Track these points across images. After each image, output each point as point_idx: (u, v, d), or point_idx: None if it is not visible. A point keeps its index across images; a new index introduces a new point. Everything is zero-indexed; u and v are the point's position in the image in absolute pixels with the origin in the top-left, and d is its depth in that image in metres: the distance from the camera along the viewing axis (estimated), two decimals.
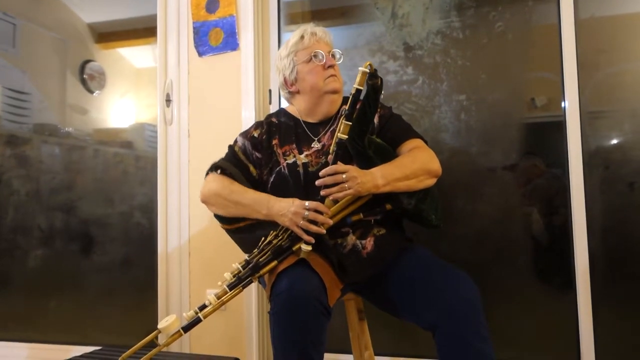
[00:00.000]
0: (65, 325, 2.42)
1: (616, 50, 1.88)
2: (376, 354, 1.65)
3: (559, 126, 1.87)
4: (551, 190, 1.92)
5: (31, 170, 2.54)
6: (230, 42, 2.14)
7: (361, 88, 1.35)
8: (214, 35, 2.16)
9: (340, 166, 1.33)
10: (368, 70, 1.34)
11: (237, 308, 2.06)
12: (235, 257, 1.55)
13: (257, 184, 1.52)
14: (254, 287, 2.04)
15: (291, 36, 1.58)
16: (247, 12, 2.12)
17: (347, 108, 1.36)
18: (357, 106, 1.37)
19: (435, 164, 1.45)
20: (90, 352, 1.94)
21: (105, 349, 1.98)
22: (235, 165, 1.54)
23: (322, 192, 1.33)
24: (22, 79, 2.65)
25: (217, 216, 1.53)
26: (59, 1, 2.64)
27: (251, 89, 2.10)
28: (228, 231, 1.54)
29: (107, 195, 2.44)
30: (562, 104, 1.86)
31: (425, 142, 1.53)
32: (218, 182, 1.49)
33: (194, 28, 2.19)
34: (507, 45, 1.97)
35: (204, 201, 1.52)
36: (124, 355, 1.35)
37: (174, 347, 2.13)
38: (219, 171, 1.52)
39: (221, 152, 1.98)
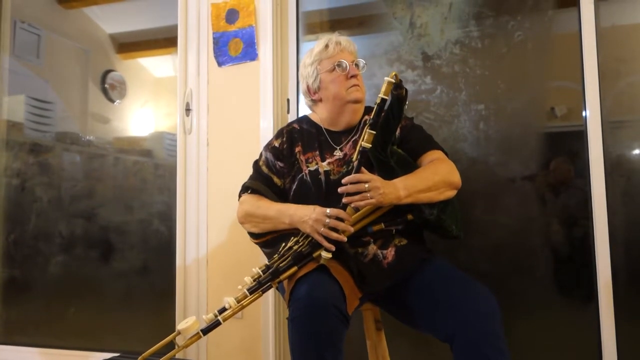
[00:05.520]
0: (84, 331, 2.44)
1: (638, 59, 1.86)
2: None
3: (580, 136, 1.84)
4: (572, 200, 1.89)
5: (53, 177, 2.58)
6: (250, 52, 2.16)
7: (386, 98, 1.35)
8: (233, 46, 2.18)
9: (363, 175, 1.33)
10: (394, 81, 1.33)
11: (254, 316, 2.06)
12: (252, 265, 1.55)
13: (283, 193, 1.55)
14: (271, 295, 2.04)
15: (315, 44, 1.59)
16: (266, 22, 2.14)
17: (371, 117, 1.35)
18: (382, 116, 1.37)
19: (455, 176, 1.45)
20: (109, 359, 1.96)
21: (123, 356, 2.00)
22: (260, 181, 1.56)
23: (344, 200, 1.33)
24: (45, 88, 2.70)
25: (249, 233, 1.56)
26: (82, 12, 2.70)
27: (269, 99, 2.12)
28: (259, 245, 1.57)
29: (126, 203, 2.47)
30: (583, 114, 1.84)
31: (446, 153, 1.53)
32: (248, 201, 1.53)
33: (213, 38, 2.21)
34: (527, 54, 1.95)
35: (241, 223, 1.55)
36: (143, 354, 1.36)
37: (192, 354, 2.14)
38: (249, 191, 1.55)
39: (240, 161, 2.00)
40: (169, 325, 2.19)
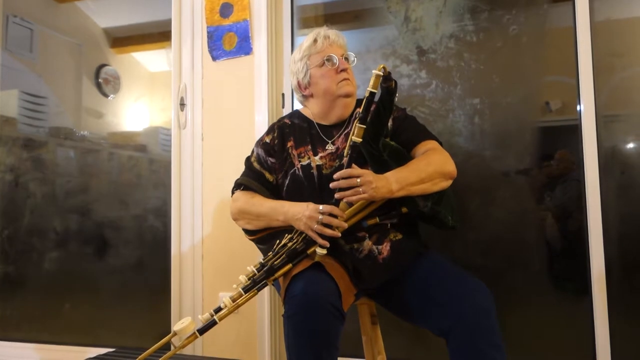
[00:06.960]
0: (79, 327, 2.43)
1: (632, 53, 1.86)
2: (389, 359, 1.64)
3: (574, 130, 1.85)
4: (566, 194, 1.90)
5: (47, 173, 2.57)
6: (244, 47, 2.15)
7: (375, 91, 1.34)
8: (227, 40, 2.17)
9: (354, 170, 1.32)
10: (382, 73, 1.32)
11: (250, 311, 2.06)
12: (247, 260, 1.55)
13: (275, 189, 1.54)
14: (266, 291, 2.04)
15: (304, 39, 1.57)
16: (260, 16, 2.13)
17: (360, 111, 1.35)
18: (372, 109, 1.36)
19: (450, 166, 1.44)
20: (104, 354, 1.96)
21: (119, 351, 2.00)
22: (252, 177, 1.56)
23: (336, 195, 1.33)
24: (39, 83, 2.68)
25: (244, 230, 1.56)
26: (75, 6, 2.68)
27: (264, 93, 2.11)
28: (253, 241, 1.57)
29: (121, 198, 2.46)
30: (578, 108, 1.84)
31: (440, 143, 1.52)
32: (241, 198, 1.52)
33: (208, 32, 2.20)
34: (522, 48, 1.95)
35: (234, 219, 1.55)
36: (139, 357, 1.35)
37: (187, 350, 2.14)
38: (241, 188, 1.55)
39: (234, 156, 2.00)
40: (165, 320, 2.19)
